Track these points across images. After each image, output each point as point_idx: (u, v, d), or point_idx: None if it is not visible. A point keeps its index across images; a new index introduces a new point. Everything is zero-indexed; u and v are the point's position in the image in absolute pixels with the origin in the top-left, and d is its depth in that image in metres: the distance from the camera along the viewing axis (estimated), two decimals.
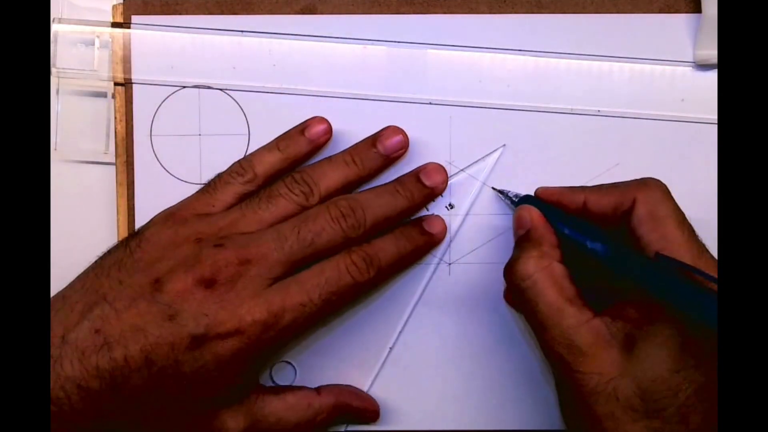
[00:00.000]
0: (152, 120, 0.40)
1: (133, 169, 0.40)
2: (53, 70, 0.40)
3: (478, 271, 0.40)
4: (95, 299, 0.34)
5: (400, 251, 0.37)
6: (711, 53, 0.39)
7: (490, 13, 0.40)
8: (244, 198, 0.37)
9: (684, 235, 0.34)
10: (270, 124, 0.40)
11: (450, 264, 0.40)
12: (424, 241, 0.38)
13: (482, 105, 0.40)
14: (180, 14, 0.40)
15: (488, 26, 0.40)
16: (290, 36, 0.40)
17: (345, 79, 0.40)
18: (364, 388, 0.40)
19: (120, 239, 0.37)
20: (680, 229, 0.34)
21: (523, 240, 0.36)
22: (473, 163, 0.40)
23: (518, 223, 0.37)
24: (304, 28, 0.40)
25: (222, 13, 0.40)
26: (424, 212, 0.39)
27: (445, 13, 0.40)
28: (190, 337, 0.33)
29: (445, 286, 0.40)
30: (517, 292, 0.35)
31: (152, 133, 0.40)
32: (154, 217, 0.37)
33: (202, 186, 0.38)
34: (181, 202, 0.38)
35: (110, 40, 0.40)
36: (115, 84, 0.40)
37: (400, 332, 0.40)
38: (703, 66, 0.39)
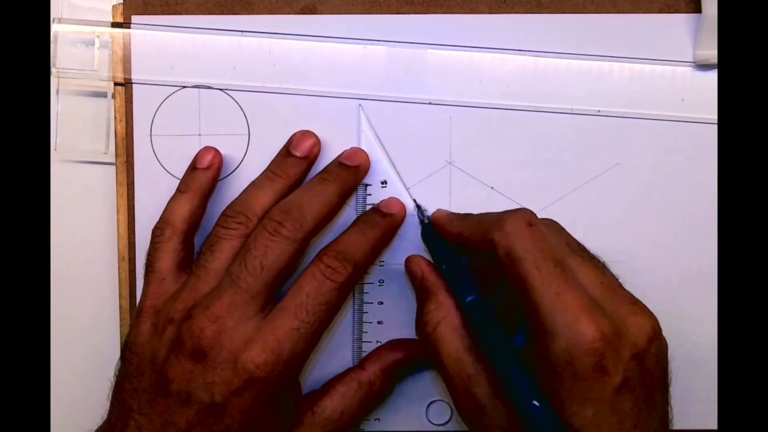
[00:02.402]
0: (152, 120, 0.40)
1: (133, 169, 0.40)
2: (53, 70, 0.40)
3: None
4: (126, 414, 0.34)
5: (369, 238, 0.37)
6: (711, 53, 0.39)
7: (490, 13, 0.40)
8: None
9: (542, 273, 0.31)
10: (270, 124, 0.40)
11: None
12: (387, 223, 0.38)
13: (482, 105, 0.40)
14: (180, 14, 0.40)
15: (488, 26, 0.40)
16: (290, 36, 0.40)
17: (345, 79, 0.40)
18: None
19: (120, 356, 0.37)
20: (538, 268, 0.32)
21: (419, 291, 0.37)
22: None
23: (410, 275, 0.38)
24: (304, 28, 0.40)
25: (222, 13, 0.40)
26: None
27: (445, 13, 0.40)
28: (210, 409, 0.33)
29: None
30: (426, 345, 0.35)
31: (152, 133, 0.40)
32: (132, 319, 0.37)
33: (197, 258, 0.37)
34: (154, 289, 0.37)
35: (110, 40, 0.40)
36: (115, 84, 0.40)
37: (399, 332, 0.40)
38: (703, 66, 0.39)
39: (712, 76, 0.39)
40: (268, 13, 0.40)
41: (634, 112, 0.40)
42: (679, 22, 0.39)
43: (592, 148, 0.40)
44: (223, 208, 0.39)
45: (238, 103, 0.40)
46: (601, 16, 0.40)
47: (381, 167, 0.40)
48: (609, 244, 0.40)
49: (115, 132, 0.40)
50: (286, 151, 0.39)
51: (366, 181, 0.39)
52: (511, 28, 0.40)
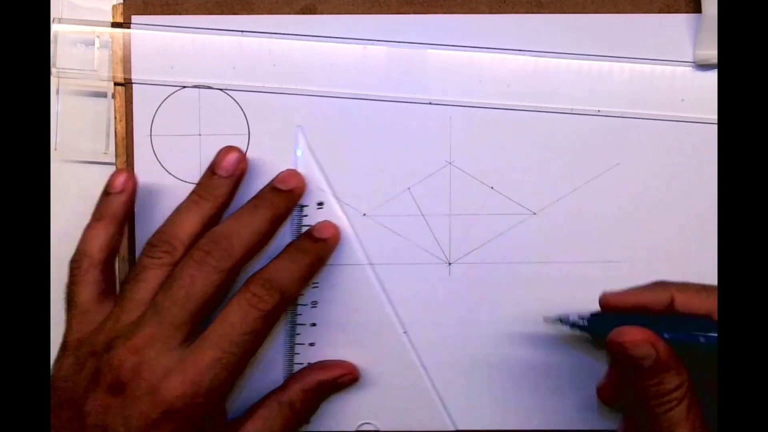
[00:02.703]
0: (152, 120, 0.40)
1: (133, 169, 0.40)
2: (53, 70, 0.40)
3: (478, 271, 0.40)
4: None
5: (299, 266, 0.37)
6: (711, 53, 0.39)
7: (490, 13, 0.40)
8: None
9: None
10: (270, 124, 0.40)
11: (450, 264, 0.40)
12: (319, 248, 0.38)
13: (482, 105, 0.40)
14: (180, 14, 0.40)
15: (488, 26, 0.40)
16: (290, 36, 0.40)
17: (345, 79, 0.40)
18: (362, 387, 0.40)
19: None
20: None
21: (654, 368, 0.32)
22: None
23: (639, 355, 0.32)
24: (304, 28, 0.40)
25: (222, 13, 0.40)
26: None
27: (445, 13, 0.40)
28: None
29: (445, 286, 0.40)
30: (654, 422, 0.32)
31: (152, 133, 0.40)
32: (59, 351, 0.37)
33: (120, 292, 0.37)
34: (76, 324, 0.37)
35: (110, 40, 0.40)
36: (115, 84, 0.40)
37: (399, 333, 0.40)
38: (703, 66, 0.39)
39: (712, 76, 0.39)
40: (268, 13, 0.40)
41: (634, 112, 0.40)
42: (679, 22, 0.39)
43: (592, 148, 0.40)
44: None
45: (238, 103, 0.40)
46: (601, 16, 0.40)
47: (317, 188, 0.39)
48: (609, 244, 0.40)
49: (115, 132, 0.40)
50: (211, 172, 0.38)
51: (302, 202, 0.39)
52: (511, 28, 0.40)
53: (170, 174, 0.40)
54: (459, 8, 0.40)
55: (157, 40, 0.40)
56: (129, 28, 0.40)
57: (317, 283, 0.40)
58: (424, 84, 0.40)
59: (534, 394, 0.40)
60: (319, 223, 0.39)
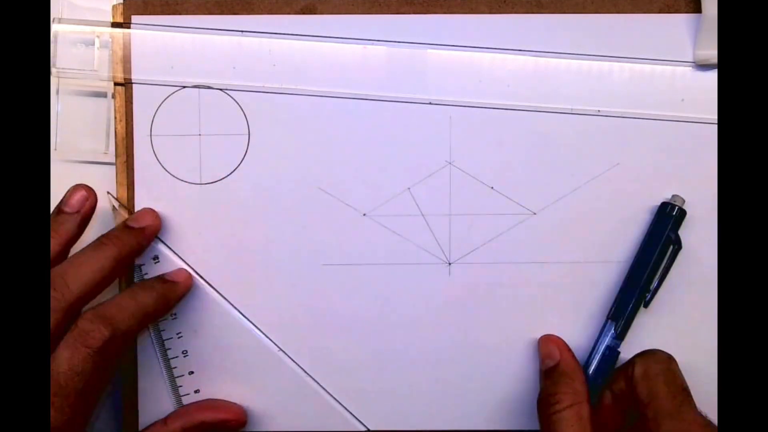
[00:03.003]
0: (152, 120, 0.40)
1: (133, 169, 0.40)
2: (53, 70, 0.40)
3: (478, 271, 0.40)
4: None
5: (138, 303, 0.36)
6: (711, 53, 0.39)
7: (490, 13, 0.40)
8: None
9: (669, 390, 0.35)
10: (270, 124, 0.40)
11: (450, 264, 0.40)
12: (165, 289, 0.38)
13: (482, 105, 0.40)
14: (180, 14, 0.40)
15: (488, 26, 0.40)
16: (290, 36, 0.40)
17: (345, 79, 0.40)
18: (363, 387, 0.40)
19: None
20: (667, 385, 0.35)
21: (553, 372, 0.37)
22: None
23: (544, 353, 0.39)
24: (304, 28, 0.40)
25: (222, 13, 0.40)
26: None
27: (445, 13, 0.40)
28: None
29: (445, 286, 0.40)
30: (545, 424, 0.36)
31: (152, 133, 0.40)
32: None
33: None
34: None
35: (110, 40, 0.40)
36: (115, 84, 0.40)
37: (400, 332, 0.40)
38: (703, 66, 0.39)
39: (712, 76, 0.39)
40: (268, 13, 0.40)
41: (634, 112, 0.39)
42: (679, 22, 0.39)
43: (592, 148, 0.40)
44: (220, 211, 0.39)
45: (238, 103, 0.40)
46: (601, 16, 0.40)
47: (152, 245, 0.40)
48: (609, 244, 0.40)
49: (115, 132, 0.40)
50: (58, 210, 0.37)
51: (138, 261, 0.39)
52: (511, 28, 0.40)
53: (170, 174, 0.40)
54: (459, 8, 0.40)
55: (157, 40, 0.40)
56: (129, 28, 0.40)
57: (175, 314, 0.40)
58: (424, 84, 0.40)
59: (533, 394, 0.40)
60: (173, 270, 0.39)
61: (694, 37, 0.39)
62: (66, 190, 0.38)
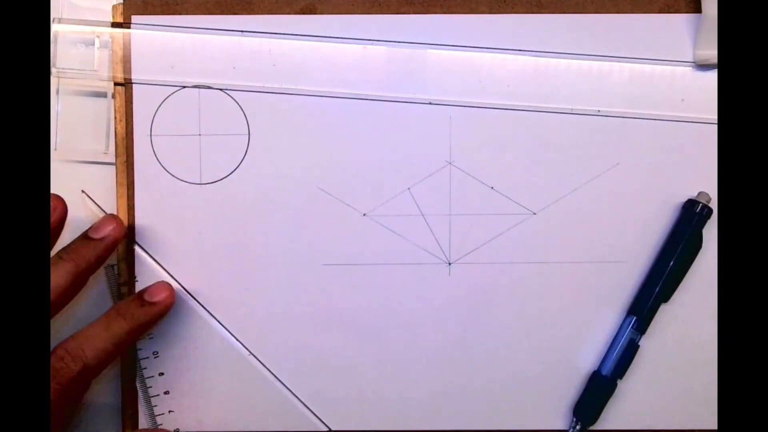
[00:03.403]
0: (152, 120, 0.40)
1: (133, 169, 0.40)
2: (53, 70, 0.40)
3: (478, 271, 0.40)
4: None
5: (112, 333, 0.36)
6: (711, 53, 0.39)
7: (490, 13, 0.40)
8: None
9: None
10: (270, 124, 0.40)
11: (450, 264, 0.40)
12: (143, 313, 0.37)
13: (482, 105, 0.40)
14: (180, 14, 0.40)
15: (488, 26, 0.40)
16: (290, 36, 0.40)
17: (345, 79, 0.40)
18: (363, 387, 0.40)
19: None
20: None
21: None
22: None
23: None
24: (304, 28, 0.40)
25: (222, 13, 0.40)
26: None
27: (445, 13, 0.40)
28: None
29: (445, 286, 0.40)
30: None
31: (152, 133, 0.40)
32: None
33: None
34: None
35: (110, 40, 0.40)
36: (115, 84, 0.40)
37: (400, 332, 0.40)
38: (703, 66, 0.39)
39: (712, 76, 0.39)
40: (268, 13, 0.40)
41: (634, 112, 0.40)
42: (679, 22, 0.39)
43: (592, 148, 0.40)
44: (220, 211, 0.39)
45: (238, 103, 0.40)
46: (601, 16, 0.40)
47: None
48: (609, 244, 0.40)
49: (115, 132, 0.40)
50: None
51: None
52: (511, 28, 0.40)
53: (170, 174, 0.40)
54: (459, 8, 0.40)
55: (157, 40, 0.40)
56: (129, 28, 0.40)
57: (152, 334, 0.40)
58: (424, 84, 0.40)
59: (533, 394, 0.40)
60: (154, 284, 0.38)
61: (694, 37, 0.39)
62: (68, 192, 0.38)
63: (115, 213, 0.40)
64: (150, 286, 0.38)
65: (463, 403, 0.40)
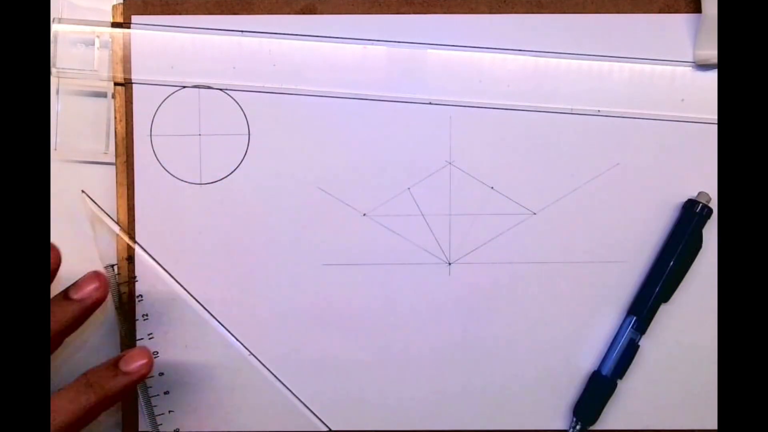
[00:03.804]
0: (152, 120, 0.40)
1: (133, 169, 0.40)
2: (53, 70, 0.40)
3: (478, 271, 0.40)
4: None
5: (79, 407, 0.34)
6: (711, 53, 0.39)
7: (490, 13, 0.40)
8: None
9: None
10: (270, 124, 0.40)
11: (450, 264, 0.40)
12: (115, 385, 0.35)
13: (482, 105, 0.40)
14: (180, 14, 0.40)
15: (488, 26, 0.40)
16: (290, 36, 0.40)
17: (345, 79, 0.40)
18: (364, 387, 0.40)
19: None
20: None
21: None
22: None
23: None
24: (304, 28, 0.40)
25: (222, 13, 0.40)
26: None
27: (445, 13, 0.40)
28: None
29: (445, 286, 0.40)
30: None
31: (152, 133, 0.40)
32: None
33: None
34: None
35: (110, 40, 0.40)
36: (115, 84, 0.40)
37: (400, 332, 0.40)
38: (703, 66, 0.39)
39: (712, 76, 0.39)
40: (268, 13, 0.40)
41: (634, 112, 0.40)
42: (679, 22, 0.39)
43: (592, 148, 0.40)
44: (220, 211, 0.39)
45: (238, 103, 0.40)
46: (601, 16, 0.40)
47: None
48: (609, 244, 0.40)
49: (115, 132, 0.40)
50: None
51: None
52: (511, 28, 0.40)
53: (170, 174, 0.40)
54: (459, 8, 0.40)
55: (157, 40, 0.40)
56: (129, 28, 0.40)
57: (152, 334, 0.40)
58: (424, 84, 0.40)
59: (533, 394, 0.40)
60: (133, 350, 0.37)
61: (694, 37, 0.39)
62: (67, 192, 0.37)
63: (100, 269, 0.38)
64: (128, 352, 0.36)
65: (463, 403, 0.40)
